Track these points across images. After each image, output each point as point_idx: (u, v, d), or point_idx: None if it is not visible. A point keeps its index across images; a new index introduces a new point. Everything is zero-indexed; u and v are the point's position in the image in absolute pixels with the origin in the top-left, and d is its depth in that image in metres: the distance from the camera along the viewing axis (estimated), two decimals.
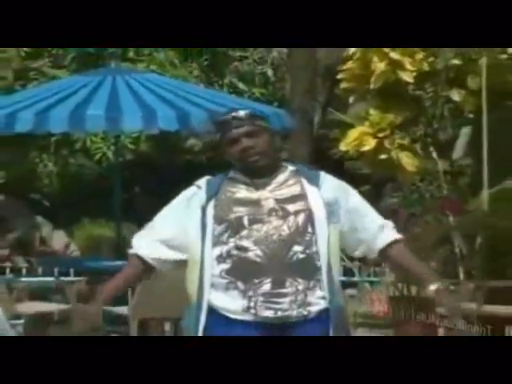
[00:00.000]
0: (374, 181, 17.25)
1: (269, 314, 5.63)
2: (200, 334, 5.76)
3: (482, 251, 15.20)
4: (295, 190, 5.75)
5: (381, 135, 15.67)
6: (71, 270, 15.91)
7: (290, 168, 5.86)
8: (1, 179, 20.99)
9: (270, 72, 19.43)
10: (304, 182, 5.80)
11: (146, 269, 6.03)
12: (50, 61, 19.08)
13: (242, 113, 5.87)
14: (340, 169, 15.27)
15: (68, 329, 13.85)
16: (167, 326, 14.58)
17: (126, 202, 17.10)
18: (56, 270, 16.25)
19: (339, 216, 5.81)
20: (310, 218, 5.66)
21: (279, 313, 5.63)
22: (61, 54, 19.15)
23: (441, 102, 15.80)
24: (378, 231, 5.90)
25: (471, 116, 15.71)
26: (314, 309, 5.70)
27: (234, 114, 5.89)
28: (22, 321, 13.78)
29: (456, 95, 15.62)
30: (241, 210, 5.67)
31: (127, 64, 17.40)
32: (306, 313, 5.67)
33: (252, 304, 5.63)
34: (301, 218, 5.64)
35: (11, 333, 10.66)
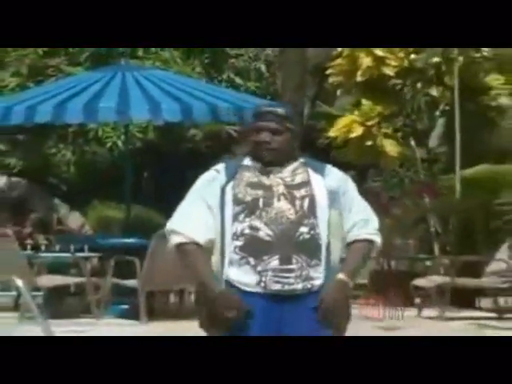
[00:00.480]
0: (357, 167, 17.29)
1: (277, 287, 5.47)
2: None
3: (454, 230, 15.58)
4: (302, 178, 5.59)
5: (369, 124, 15.86)
6: (85, 247, 15.87)
7: (300, 160, 5.66)
8: (19, 166, 20.75)
9: (263, 68, 19.00)
10: (310, 171, 5.63)
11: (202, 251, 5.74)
12: (66, 59, 18.80)
13: (277, 110, 5.71)
14: (326, 157, 15.51)
15: (83, 300, 14.13)
16: (172, 298, 14.55)
17: (135, 186, 16.97)
18: (72, 247, 16.18)
19: (340, 203, 5.63)
20: (313, 203, 5.54)
21: (286, 286, 5.48)
22: (76, 52, 18.90)
23: (419, 96, 16.01)
24: (356, 225, 5.71)
25: (446, 109, 15.91)
26: (317, 283, 5.53)
27: (271, 108, 5.75)
28: (41, 293, 13.90)
29: (434, 90, 15.82)
30: (256, 193, 5.54)
31: (135, 61, 17.16)
32: (309, 286, 5.51)
33: (263, 278, 5.47)
34: (306, 202, 5.52)
35: (33, 305, 10.72)
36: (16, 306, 13.68)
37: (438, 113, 16.29)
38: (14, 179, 23.25)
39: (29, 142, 19.60)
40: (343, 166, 16.27)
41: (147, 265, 13.34)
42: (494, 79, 15.64)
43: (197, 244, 5.57)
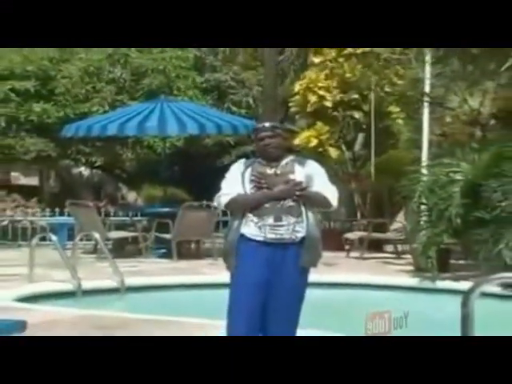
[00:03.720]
0: None
1: (272, 236, 5.29)
2: (234, 244, 5.38)
3: (370, 202, 15.78)
4: (289, 168, 5.42)
5: (321, 138, 15.90)
6: (138, 213, 15.88)
7: (290, 157, 5.48)
8: (98, 162, 20.55)
9: (251, 101, 18.93)
10: (296, 164, 5.44)
11: None
12: (128, 96, 18.78)
13: (267, 124, 5.58)
14: None
15: (136, 247, 14.22)
16: (192, 245, 14.31)
17: (169, 175, 16.95)
18: (130, 213, 16.34)
19: (314, 182, 5.37)
20: (295, 183, 5.33)
21: (278, 236, 5.29)
22: (133, 91, 18.88)
23: (348, 119, 16.04)
24: (323, 191, 5.41)
25: (364, 127, 16.01)
26: (299, 235, 5.31)
27: (263, 124, 5.62)
28: (110, 242, 13.82)
29: (357, 115, 15.94)
30: (261, 180, 5.39)
31: (170, 97, 17.16)
32: (294, 237, 5.30)
33: (262, 230, 5.29)
34: (291, 183, 5.33)
35: (105, 249, 10.68)
36: (95, 250, 13.52)
37: (359, 129, 16.36)
38: (94, 171, 23.44)
39: (104, 146, 19.53)
40: None
41: (177, 225, 13.39)
42: (393, 108, 15.78)
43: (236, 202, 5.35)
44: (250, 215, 5.34)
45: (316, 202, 5.43)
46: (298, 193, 5.32)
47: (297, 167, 5.43)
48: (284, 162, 5.45)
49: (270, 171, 5.43)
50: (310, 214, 5.35)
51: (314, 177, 5.42)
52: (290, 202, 5.33)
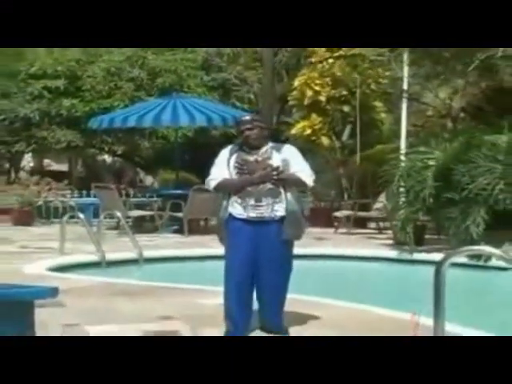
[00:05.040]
0: (302, 152, 17.13)
1: (254, 215, 5.30)
2: (224, 221, 5.38)
3: (356, 185, 15.61)
4: (267, 155, 5.38)
5: (314, 127, 15.80)
6: (154, 195, 15.75)
7: (270, 145, 5.44)
8: (119, 151, 20.54)
9: (252, 96, 19.00)
10: (273, 151, 5.40)
11: None
12: (145, 93, 18.79)
13: (247, 117, 5.58)
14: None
15: (153, 224, 14.20)
16: (201, 222, 14.29)
17: (181, 162, 16.89)
18: (147, 195, 16.35)
19: (291, 165, 5.35)
20: (274, 167, 5.33)
21: (259, 214, 5.29)
22: (149, 88, 18.87)
23: (338, 112, 15.92)
24: (298, 173, 5.40)
25: (352, 119, 15.87)
26: (279, 213, 5.30)
27: (244, 117, 5.60)
28: (131, 219, 13.78)
29: (346, 108, 15.77)
30: (243, 165, 5.39)
31: (181, 93, 17.09)
32: (273, 215, 5.30)
33: (246, 210, 5.30)
34: (270, 168, 5.33)
35: (126, 226, 10.62)
36: (117, 227, 13.38)
37: (347, 121, 16.26)
38: (116, 158, 23.41)
39: (124, 136, 19.52)
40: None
41: (187, 205, 13.34)
42: (377, 103, 15.73)
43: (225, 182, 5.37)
44: (235, 197, 5.35)
45: (292, 183, 5.38)
46: (275, 177, 5.30)
47: (274, 154, 5.39)
48: (264, 149, 5.40)
49: (251, 158, 5.40)
50: (290, 195, 5.32)
51: (291, 160, 5.38)
52: (269, 185, 5.31)
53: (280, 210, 5.32)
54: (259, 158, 5.40)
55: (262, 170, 5.34)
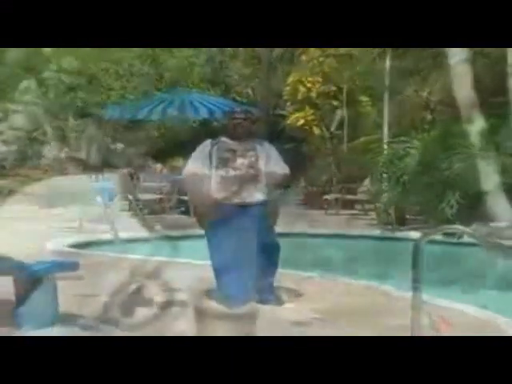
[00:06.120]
0: (296, 141, 17.10)
1: (236, 200, 5.26)
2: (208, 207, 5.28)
3: (344, 171, 15.41)
4: (251, 147, 5.36)
5: (307, 118, 15.79)
6: (163, 180, 15.55)
7: (252, 138, 5.42)
8: (132, 139, 20.72)
9: (250, 91, 19.14)
10: (257, 145, 5.40)
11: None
12: (153, 87, 18.87)
13: (237, 109, 5.61)
14: (281, 135, 15.43)
15: (162, 206, 14.18)
16: None
17: (188, 150, 16.80)
18: (157, 180, 15.93)
19: (270, 158, 5.38)
20: (256, 159, 5.34)
21: (242, 199, 5.25)
22: (158, 82, 18.88)
23: (327, 105, 15.90)
24: (274, 167, 5.44)
25: (339, 112, 15.83)
26: (261, 198, 5.32)
27: (234, 109, 5.64)
28: (141, 202, 13.40)
29: (334, 102, 15.78)
30: (227, 154, 5.33)
31: (186, 89, 17.04)
32: (255, 200, 5.29)
33: (229, 196, 5.23)
34: (253, 158, 5.33)
35: (136, 208, 10.73)
36: (129, 208, 13.10)
37: (336, 113, 16.23)
38: (127, 146, 23.25)
39: (134, 127, 19.55)
40: (290, 138, 15.71)
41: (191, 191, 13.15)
42: (364, 97, 15.70)
43: (196, 175, 5.31)
44: (219, 184, 5.27)
45: (270, 179, 5.37)
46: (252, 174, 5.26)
47: (258, 146, 5.39)
48: (246, 141, 5.37)
49: (234, 148, 5.34)
50: (268, 184, 5.32)
51: (271, 155, 5.40)
52: (251, 173, 5.29)
53: (261, 195, 5.32)
54: (242, 149, 5.34)
55: (245, 160, 5.29)
